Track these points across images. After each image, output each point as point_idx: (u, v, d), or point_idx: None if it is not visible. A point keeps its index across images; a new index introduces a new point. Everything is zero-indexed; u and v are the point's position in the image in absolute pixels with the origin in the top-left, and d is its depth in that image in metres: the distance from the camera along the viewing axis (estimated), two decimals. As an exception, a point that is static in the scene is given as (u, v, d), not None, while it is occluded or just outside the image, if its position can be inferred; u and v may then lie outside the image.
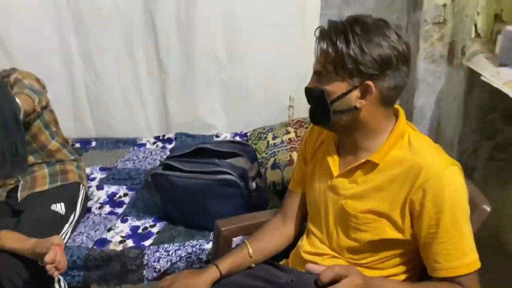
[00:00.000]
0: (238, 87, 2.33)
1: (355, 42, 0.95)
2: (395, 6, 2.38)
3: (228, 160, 1.55)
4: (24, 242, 1.42)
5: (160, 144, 2.35)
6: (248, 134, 2.31)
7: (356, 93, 0.98)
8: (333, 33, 0.97)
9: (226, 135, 2.41)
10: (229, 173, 1.50)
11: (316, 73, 1.03)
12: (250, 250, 1.17)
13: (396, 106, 1.09)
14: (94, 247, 1.60)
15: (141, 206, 1.83)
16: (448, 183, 0.95)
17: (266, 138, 2.11)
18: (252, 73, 2.30)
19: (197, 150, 1.64)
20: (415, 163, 0.98)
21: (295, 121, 2.13)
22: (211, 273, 1.13)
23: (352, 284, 0.88)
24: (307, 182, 1.21)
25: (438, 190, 0.95)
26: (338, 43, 0.96)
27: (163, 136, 2.39)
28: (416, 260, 1.04)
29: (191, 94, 2.34)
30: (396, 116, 1.06)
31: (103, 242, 1.63)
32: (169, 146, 2.29)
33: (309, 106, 1.07)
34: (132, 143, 2.35)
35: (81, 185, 1.79)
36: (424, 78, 2.31)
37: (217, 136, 2.40)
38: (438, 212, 0.95)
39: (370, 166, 1.04)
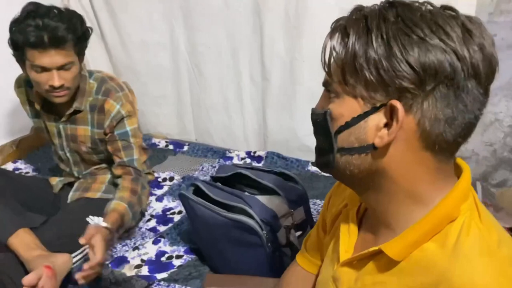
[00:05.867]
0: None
1: (380, 36, 0.52)
2: None
3: (259, 197, 1.12)
4: (31, 251, 1.27)
5: (248, 160, 2.02)
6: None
7: (375, 118, 0.55)
8: (350, 22, 0.56)
9: (323, 164, 1.93)
10: (248, 214, 1.07)
11: (324, 85, 0.61)
12: None
13: (460, 161, 0.59)
14: (109, 265, 1.38)
15: (183, 230, 1.53)
16: None
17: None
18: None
19: (236, 175, 1.26)
20: (445, 275, 0.51)
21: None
22: None
23: None
24: (322, 256, 0.79)
25: None
26: (351, 35, 0.54)
27: (254, 152, 2.05)
28: None
29: (292, 108, 1.94)
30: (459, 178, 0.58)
31: (122, 260, 1.40)
32: (256, 165, 1.94)
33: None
34: (221, 154, 2.08)
35: None
36: None
37: (313, 164, 1.94)
38: None
39: (386, 260, 0.59)
